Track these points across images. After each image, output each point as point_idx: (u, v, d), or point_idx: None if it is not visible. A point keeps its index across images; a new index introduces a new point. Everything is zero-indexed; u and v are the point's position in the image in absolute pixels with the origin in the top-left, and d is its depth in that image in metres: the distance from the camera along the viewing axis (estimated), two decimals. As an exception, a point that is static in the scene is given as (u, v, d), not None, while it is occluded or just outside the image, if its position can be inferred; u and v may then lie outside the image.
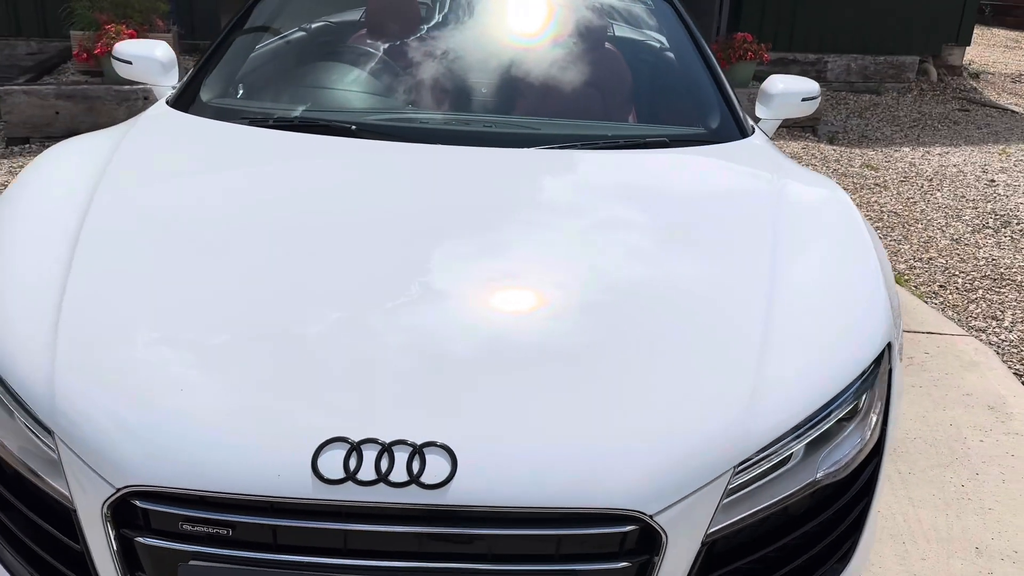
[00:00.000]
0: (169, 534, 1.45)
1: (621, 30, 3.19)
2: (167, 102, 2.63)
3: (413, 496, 1.40)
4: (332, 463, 1.41)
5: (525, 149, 2.33)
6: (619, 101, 2.78)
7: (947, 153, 6.88)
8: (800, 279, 1.89)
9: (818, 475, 1.63)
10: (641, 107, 2.81)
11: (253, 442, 1.45)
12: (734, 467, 1.52)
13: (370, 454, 1.42)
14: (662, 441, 1.49)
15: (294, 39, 3.01)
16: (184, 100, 2.60)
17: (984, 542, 2.39)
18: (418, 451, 1.42)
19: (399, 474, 1.40)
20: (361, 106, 2.66)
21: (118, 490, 1.45)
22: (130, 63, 2.85)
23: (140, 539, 1.45)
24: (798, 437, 1.60)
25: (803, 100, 2.82)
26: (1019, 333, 3.83)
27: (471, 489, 1.40)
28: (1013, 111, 8.67)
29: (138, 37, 6.00)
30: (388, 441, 1.43)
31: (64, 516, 1.57)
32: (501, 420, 1.48)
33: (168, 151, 2.33)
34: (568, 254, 1.92)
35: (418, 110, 2.61)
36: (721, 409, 1.56)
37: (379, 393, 1.52)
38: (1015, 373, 3.45)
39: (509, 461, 1.43)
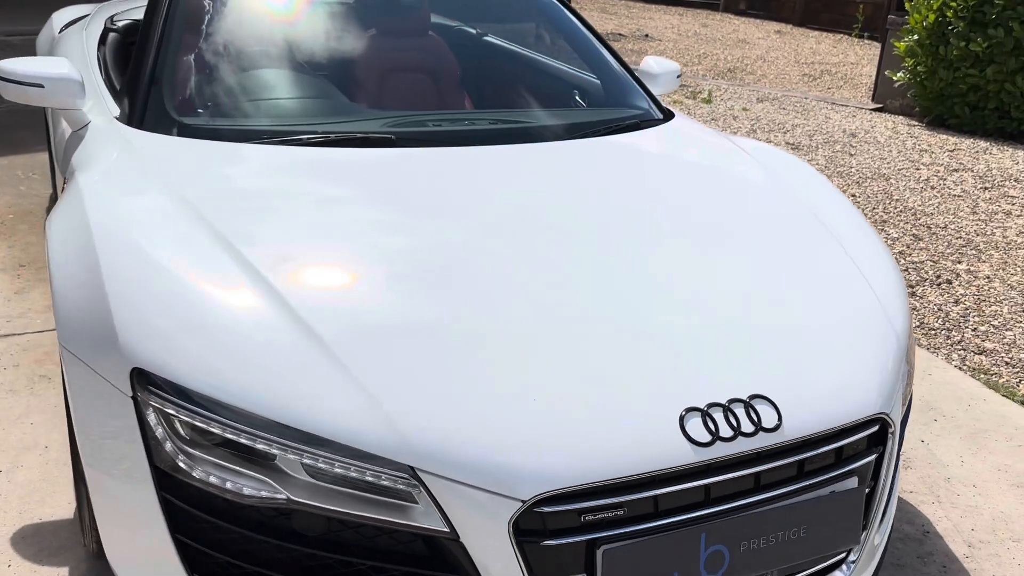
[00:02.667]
0: (570, 530, 1.58)
1: (538, 28, 3.45)
2: (131, 125, 2.39)
3: (762, 441, 1.69)
4: (696, 429, 1.65)
5: (548, 143, 2.56)
6: (561, 91, 3.08)
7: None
8: (833, 219, 2.41)
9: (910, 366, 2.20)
10: (579, 95, 3.13)
11: (626, 426, 1.63)
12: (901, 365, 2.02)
13: (718, 414, 1.68)
14: (879, 355, 1.94)
15: (243, 44, 2.81)
16: (160, 123, 2.39)
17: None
18: (747, 404, 1.71)
19: (746, 426, 1.69)
20: (364, 114, 2.66)
21: (524, 502, 1.54)
22: (41, 86, 2.49)
23: (548, 542, 1.57)
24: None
25: (676, 77, 3.35)
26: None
27: (794, 425, 1.73)
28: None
29: None
30: (726, 401, 1.70)
31: (419, 556, 1.60)
32: (783, 366, 1.82)
33: (235, 182, 2.18)
34: (683, 228, 2.24)
35: (424, 113, 2.69)
36: (878, 323, 2.04)
37: (692, 362, 1.77)
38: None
39: (809, 397, 1.78)
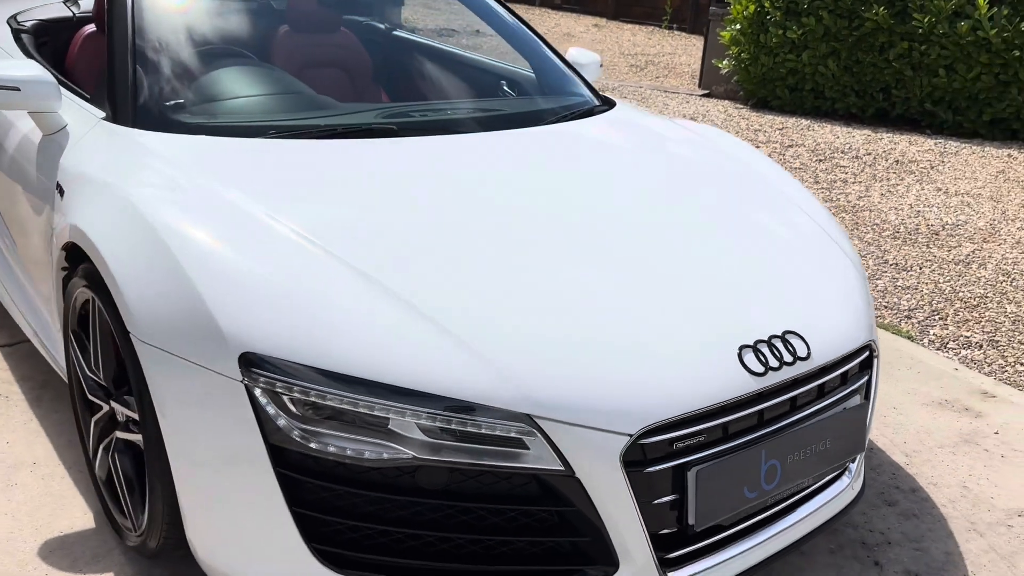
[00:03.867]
0: (664, 457, 1.80)
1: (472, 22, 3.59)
2: (125, 125, 2.39)
3: (798, 369, 1.98)
4: (752, 362, 1.92)
5: (530, 129, 2.76)
6: (513, 82, 3.28)
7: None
8: (781, 184, 2.76)
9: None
10: (528, 86, 3.32)
11: (699, 364, 1.88)
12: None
13: (764, 348, 1.95)
14: (856, 294, 2.29)
15: (218, 44, 2.81)
16: (158, 122, 2.41)
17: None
18: (783, 339, 2.00)
19: (787, 357, 1.97)
20: (353, 107, 2.77)
21: (631, 436, 1.75)
22: (17, 89, 2.42)
23: (650, 469, 1.78)
24: None
25: (599, 67, 3.62)
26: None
27: (818, 354, 2.03)
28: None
29: None
30: (767, 337, 1.98)
31: (533, 495, 1.77)
32: (798, 307, 2.12)
33: (263, 172, 2.26)
34: (671, 197, 2.51)
35: (407, 105, 2.84)
36: (847, 267, 2.39)
37: (730, 307, 2.03)
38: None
39: (822, 330, 2.08)
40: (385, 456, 1.73)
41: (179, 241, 1.92)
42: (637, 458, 1.78)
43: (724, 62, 8.73)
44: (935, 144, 7.15)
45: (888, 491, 2.67)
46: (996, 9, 7.10)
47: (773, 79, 8.29)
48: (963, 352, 3.63)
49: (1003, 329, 3.83)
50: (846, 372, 2.13)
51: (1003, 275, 4.42)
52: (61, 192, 2.33)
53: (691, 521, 1.83)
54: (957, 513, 2.58)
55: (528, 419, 1.73)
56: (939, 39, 7.34)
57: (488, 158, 2.52)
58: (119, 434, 2.16)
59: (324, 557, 1.79)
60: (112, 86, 2.49)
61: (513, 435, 1.74)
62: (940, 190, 5.89)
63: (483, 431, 1.73)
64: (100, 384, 2.24)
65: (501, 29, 3.44)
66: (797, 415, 2.00)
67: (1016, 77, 7.15)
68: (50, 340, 2.66)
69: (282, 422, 1.75)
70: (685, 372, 1.85)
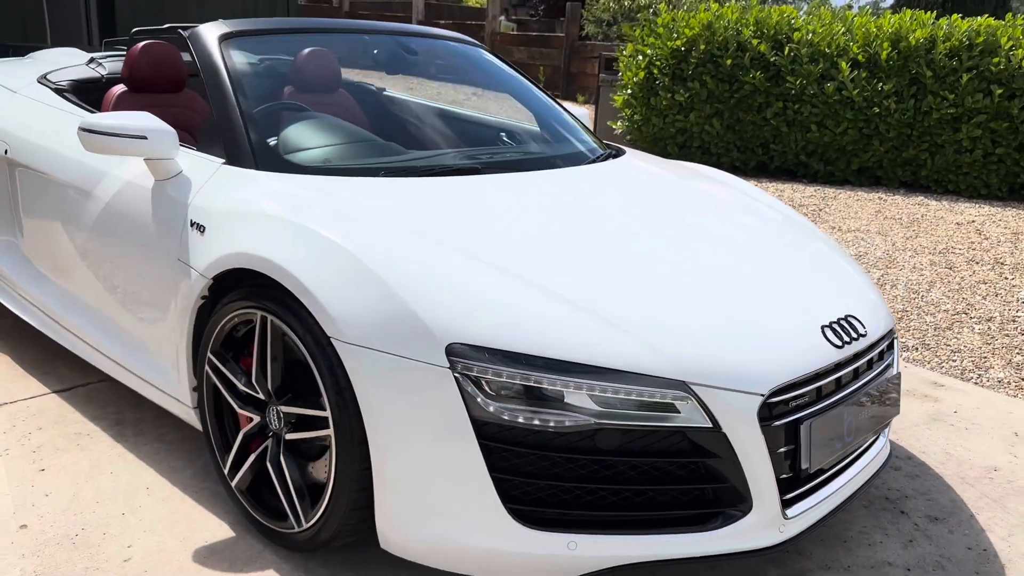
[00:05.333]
0: (783, 413, 2.23)
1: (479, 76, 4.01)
2: (246, 167, 2.68)
3: (861, 344, 2.46)
4: (832, 338, 2.39)
5: (585, 166, 3.21)
6: (521, 130, 3.72)
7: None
8: (776, 206, 3.31)
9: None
10: (545, 134, 3.76)
11: (800, 338, 2.33)
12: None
13: (836, 326, 2.43)
14: (873, 291, 2.82)
15: (304, 98, 3.12)
16: (279, 164, 2.72)
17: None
18: (847, 320, 2.49)
19: (853, 334, 2.46)
20: (423, 150, 3.12)
21: (764, 396, 2.17)
22: (144, 138, 2.65)
23: (775, 423, 2.20)
24: None
25: (589, 119, 4.11)
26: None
27: (871, 333, 2.53)
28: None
29: None
30: (838, 317, 2.46)
31: (681, 448, 2.16)
32: (849, 296, 2.63)
33: (393, 202, 2.58)
34: (728, 217, 3.01)
35: (475, 148, 3.21)
36: (854, 266, 2.94)
37: (805, 296, 2.51)
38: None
39: (867, 315, 2.59)
40: (567, 423, 2.08)
41: (368, 255, 2.22)
42: (765, 415, 2.20)
43: (619, 123, 9.49)
44: (815, 191, 8.06)
45: (891, 459, 3.19)
46: (857, 72, 8.15)
47: (664, 138, 9.09)
48: (904, 353, 4.27)
49: (929, 334, 4.52)
50: (882, 349, 2.65)
51: (913, 293, 5.16)
52: (200, 228, 2.56)
53: (805, 466, 2.26)
54: (948, 472, 3.14)
55: (683, 385, 2.13)
56: (810, 99, 8.32)
57: (576, 186, 2.96)
58: (287, 436, 2.39)
59: (518, 516, 2.11)
60: (226, 136, 2.76)
61: (668, 400, 2.13)
62: (834, 228, 6.70)
63: (644, 398, 2.11)
64: (255, 397, 2.46)
65: (524, 94, 3.90)
66: (860, 381, 2.49)
67: (877, 131, 8.19)
68: (153, 371, 2.84)
69: (480, 399, 2.07)
70: (792, 344, 2.30)
